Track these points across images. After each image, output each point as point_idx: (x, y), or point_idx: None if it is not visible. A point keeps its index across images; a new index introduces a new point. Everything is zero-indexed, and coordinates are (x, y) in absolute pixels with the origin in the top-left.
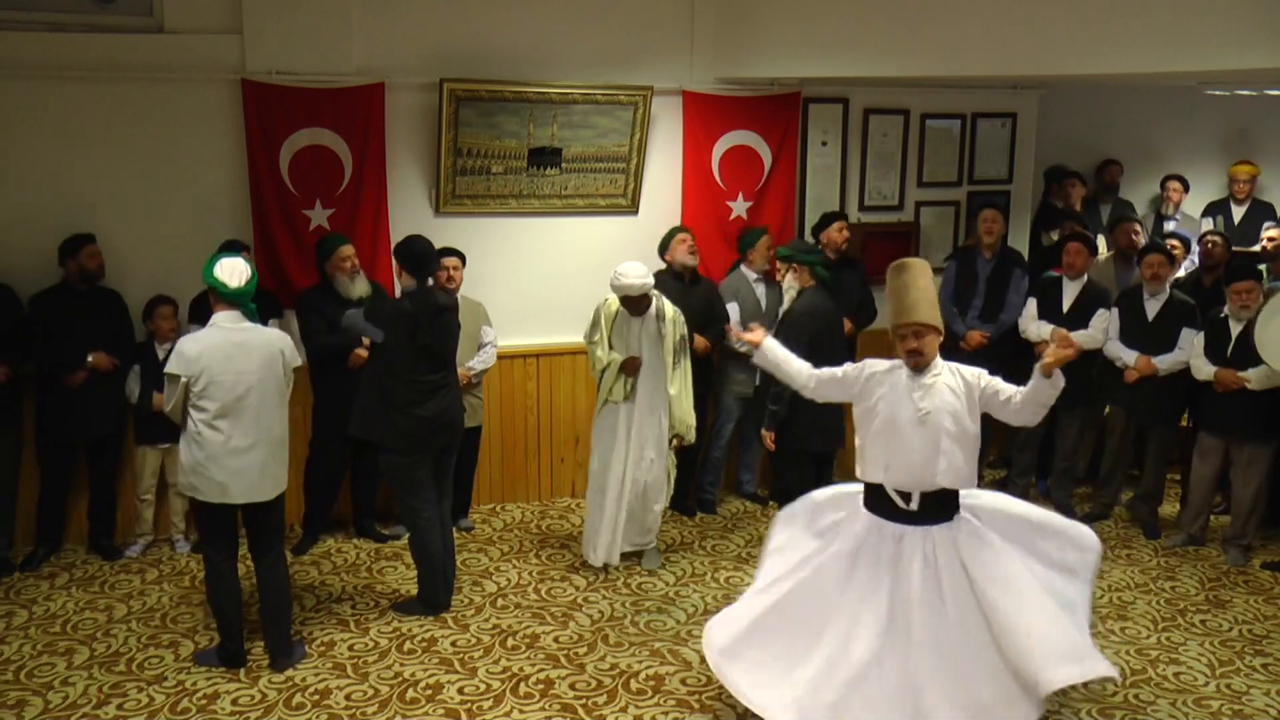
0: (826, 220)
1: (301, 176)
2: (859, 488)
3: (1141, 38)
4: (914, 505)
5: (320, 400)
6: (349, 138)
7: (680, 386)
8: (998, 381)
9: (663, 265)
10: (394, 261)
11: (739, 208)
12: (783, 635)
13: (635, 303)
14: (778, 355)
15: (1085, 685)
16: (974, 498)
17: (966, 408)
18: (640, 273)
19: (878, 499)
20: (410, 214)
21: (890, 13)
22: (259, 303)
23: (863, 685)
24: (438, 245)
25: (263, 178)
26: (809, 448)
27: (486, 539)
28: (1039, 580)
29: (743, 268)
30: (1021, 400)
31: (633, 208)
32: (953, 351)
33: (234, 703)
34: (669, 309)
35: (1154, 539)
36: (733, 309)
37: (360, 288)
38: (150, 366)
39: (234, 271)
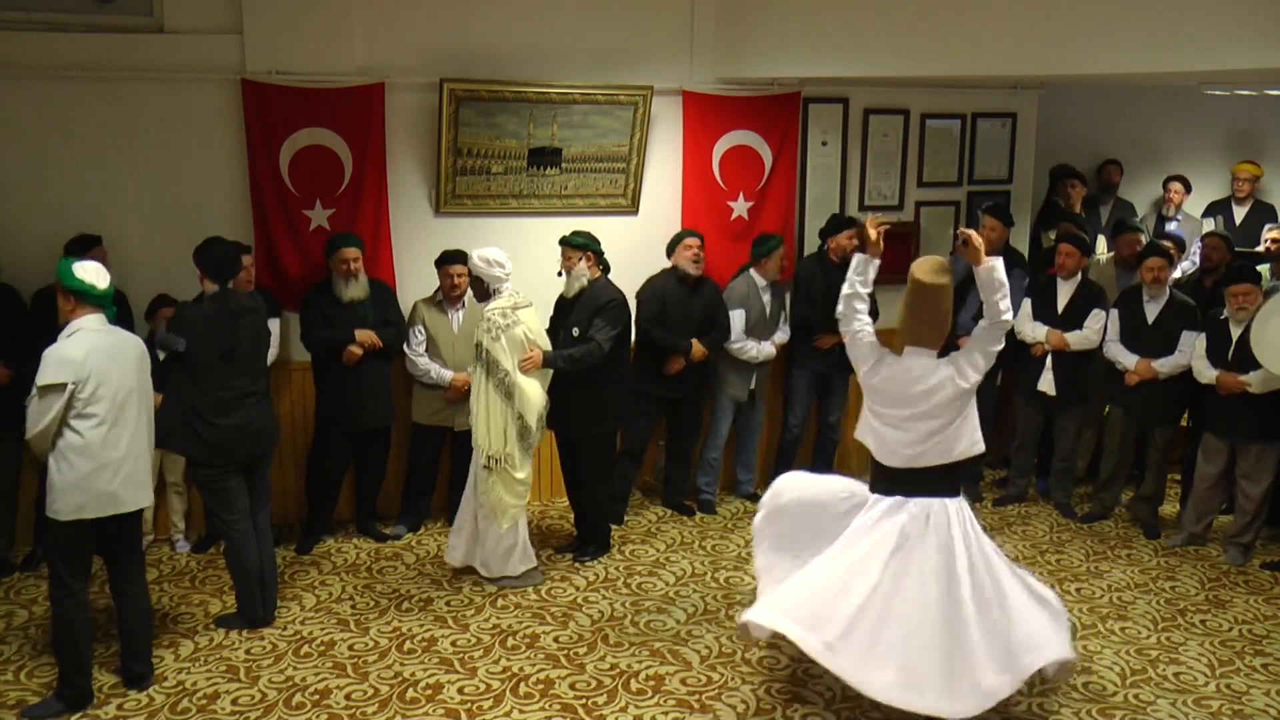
0: (836, 225)
1: (301, 176)
2: None
3: (1141, 38)
4: None
5: (322, 397)
6: (349, 138)
7: (480, 402)
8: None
9: (669, 266)
10: (196, 267)
11: (740, 208)
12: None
13: (474, 285)
14: None
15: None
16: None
17: None
18: (488, 257)
19: None
20: (410, 214)
21: (890, 13)
22: (267, 301)
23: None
24: (437, 245)
25: (263, 178)
26: (612, 430)
27: None
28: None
29: (753, 273)
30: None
31: (633, 208)
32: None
33: (234, 703)
34: (487, 309)
35: (1154, 539)
36: (738, 315)
37: (354, 290)
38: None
39: (99, 273)
